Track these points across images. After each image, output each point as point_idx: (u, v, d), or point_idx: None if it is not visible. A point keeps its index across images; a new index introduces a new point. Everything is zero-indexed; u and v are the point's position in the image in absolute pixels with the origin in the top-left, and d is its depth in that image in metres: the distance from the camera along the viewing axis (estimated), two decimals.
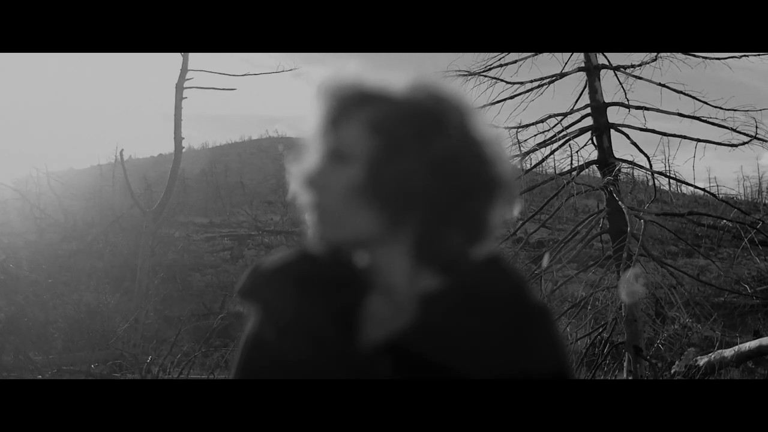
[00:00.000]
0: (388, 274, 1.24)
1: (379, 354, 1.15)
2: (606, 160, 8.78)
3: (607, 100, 9.03)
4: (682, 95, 8.71)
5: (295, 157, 1.30)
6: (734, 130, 8.46)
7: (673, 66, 8.84)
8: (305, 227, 1.31)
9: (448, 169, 1.19)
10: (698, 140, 8.70)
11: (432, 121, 1.20)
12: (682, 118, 8.69)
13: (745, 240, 8.01)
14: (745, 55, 8.48)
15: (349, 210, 1.18)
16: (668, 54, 8.59)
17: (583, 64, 9.05)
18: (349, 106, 1.22)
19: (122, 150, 21.67)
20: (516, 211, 1.26)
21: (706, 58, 8.64)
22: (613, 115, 10.14)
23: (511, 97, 9.10)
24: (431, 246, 1.25)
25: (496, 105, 9.12)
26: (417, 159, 1.17)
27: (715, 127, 8.58)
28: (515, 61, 9.05)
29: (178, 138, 15.90)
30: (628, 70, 8.92)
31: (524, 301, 1.23)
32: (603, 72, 9.10)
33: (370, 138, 1.19)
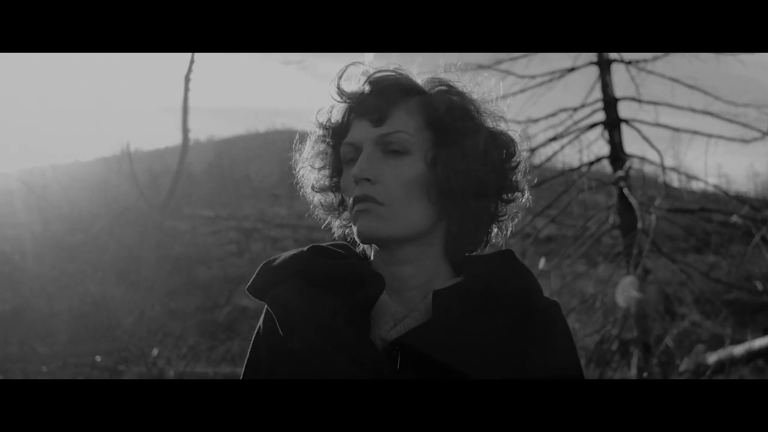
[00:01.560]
0: (411, 270, 1.22)
1: (390, 352, 1.13)
2: (617, 155, 8.72)
3: (618, 94, 8.97)
4: (694, 90, 8.65)
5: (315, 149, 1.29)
6: (746, 126, 8.39)
7: (686, 60, 8.79)
8: (346, 222, 1.30)
9: (494, 165, 1.22)
10: (710, 135, 8.63)
11: (476, 115, 1.23)
12: (693, 113, 8.63)
13: (757, 236, 7.95)
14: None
15: (407, 204, 1.17)
16: None
17: (594, 59, 9.00)
18: (399, 96, 1.20)
19: (129, 142, 21.69)
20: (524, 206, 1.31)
21: (718, 53, 8.57)
22: (625, 109, 10.08)
23: (522, 91, 9.05)
24: (461, 241, 1.26)
25: (506, 99, 9.06)
26: (472, 153, 1.19)
27: (727, 122, 8.52)
28: (526, 55, 8.99)
29: (185, 129, 15.93)
30: (639, 65, 8.86)
31: (536, 297, 1.22)
32: (614, 66, 9.04)
33: (425, 130, 1.20)
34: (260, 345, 1.26)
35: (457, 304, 1.16)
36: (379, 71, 1.22)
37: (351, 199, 1.18)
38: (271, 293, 1.23)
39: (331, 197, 1.30)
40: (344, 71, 1.24)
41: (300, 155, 1.32)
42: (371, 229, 1.16)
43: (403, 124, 1.19)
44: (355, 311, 1.16)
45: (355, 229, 1.18)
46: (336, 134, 1.25)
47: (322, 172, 1.29)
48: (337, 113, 1.24)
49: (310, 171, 1.30)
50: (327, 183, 1.29)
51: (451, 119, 1.20)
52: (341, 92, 1.23)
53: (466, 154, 1.19)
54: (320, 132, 1.27)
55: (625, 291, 6.99)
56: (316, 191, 1.30)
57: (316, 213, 1.34)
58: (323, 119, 1.26)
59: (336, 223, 1.33)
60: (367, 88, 1.21)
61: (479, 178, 1.19)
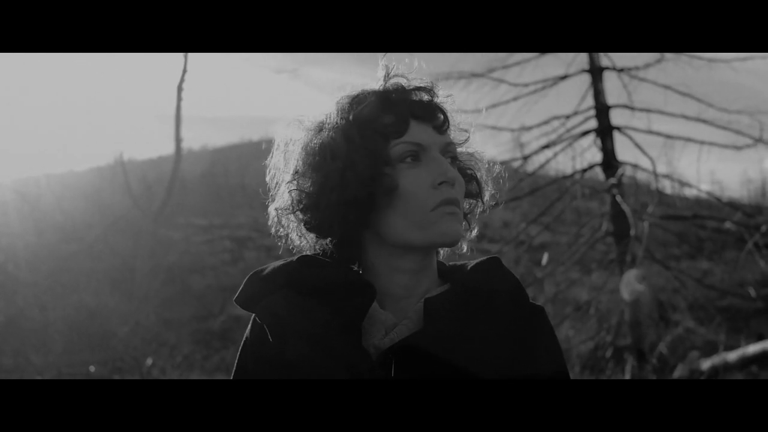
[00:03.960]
0: (417, 278, 1.23)
1: (385, 360, 1.14)
2: (610, 162, 8.75)
3: (611, 102, 9.00)
4: (686, 97, 8.68)
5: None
6: (739, 133, 8.43)
7: (678, 68, 8.82)
8: (353, 218, 1.21)
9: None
10: (702, 142, 8.67)
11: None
12: (686, 120, 8.67)
13: (749, 243, 7.97)
14: (750, 57, 8.45)
15: (462, 210, 1.22)
16: (673, 55, 8.57)
17: (587, 67, 9.03)
18: (438, 105, 1.24)
19: (122, 152, 21.63)
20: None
21: (711, 60, 8.62)
22: (617, 117, 10.11)
23: (515, 99, 9.07)
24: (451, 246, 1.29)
25: (500, 107, 9.10)
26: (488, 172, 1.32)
27: (720, 129, 8.56)
28: (519, 63, 9.03)
29: (178, 138, 15.91)
30: (632, 72, 8.89)
31: (523, 302, 1.24)
32: (606, 74, 9.07)
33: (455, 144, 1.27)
34: (248, 355, 1.25)
35: (449, 309, 1.17)
36: (431, 80, 1.25)
37: (437, 201, 1.16)
38: (261, 304, 1.22)
39: (369, 191, 1.18)
40: (392, 71, 1.24)
41: (323, 144, 1.20)
42: (459, 233, 1.18)
43: (454, 135, 1.26)
44: (348, 320, 1.16)
45: (438, 229, 1.16)
46: (389, 130, 1.18)
47: (373, 165, 1.17)
48: (395, 111, 1.20)
49: (351, 162, 1.17)
50: (376, 174, 1.17)
51: (468, 137, 1.29)
52: (410, 93, 1.22)
53: (488, 172, 1.31)
54: (372, 125, 1.19)
55: (630, 284, 7.01)
56: (362, 185, 1.16)
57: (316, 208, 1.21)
58: (375, 113, 1.20)
59: (348, 217, 1.19)
60: (425, 95, 1.22)
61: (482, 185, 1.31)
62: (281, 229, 1.29)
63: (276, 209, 1.27)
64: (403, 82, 1.23)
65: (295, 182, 1.23)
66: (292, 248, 1.30)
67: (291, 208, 1.24)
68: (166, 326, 12.91)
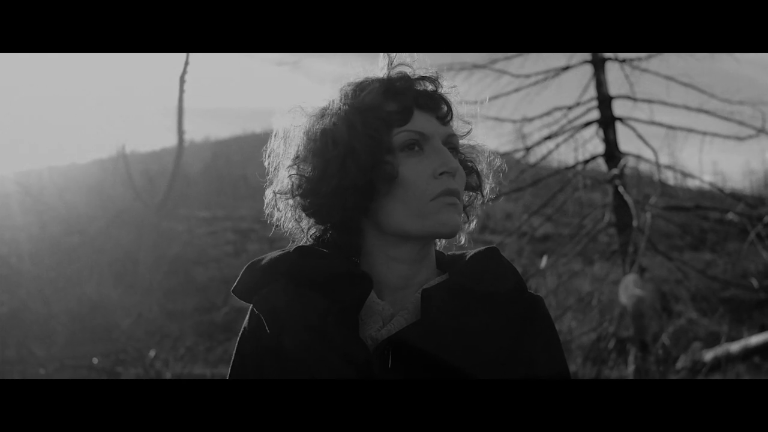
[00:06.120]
0: (416, 268, 1.23)
1: (382, 351, 1.13)
2: (612, 153, 8.73)
3: (613, 92, 8.98)
4: (688, 88, 8.67)
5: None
6: (741, 123, 8.40)
7: (680, 59, 8.80)
8: (352, 205, 1.21)
9: None
10: (705, 133, 8.65)
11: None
12: (688, 111, 8.65)
13: (752, 234, 7.95)
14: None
15: (462, 201, 1.23)
16: None
17: (589, 58, 9.01)
18: (442, 95, 1.25)
19: (125, 144, 21.63)
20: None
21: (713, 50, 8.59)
22: (619, 108, 10.07)
23: (517, 90, 9.06)
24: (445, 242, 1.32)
25: (502, 98, 9.09)
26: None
27: (722, 120, 8.54)
28: (521, 54, 9.00)
29: (180, 130, 15.89)
30: (634, 63, 8.87)
31: (523, 291, 1.24)
32: (609, 64, 9.05)
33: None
34: (246, 347, 1.25)
35: (447, 301, 1.17)
36: (435, 71, 1.25)
37: (437, 191, 1.16)
38: (259, 295, 1.22)
39: (369, 178, 1.17)
40: (395, 60, 1.24)
41: (323, 128, 1.20)
42: (458, 224, 1.18)
43: (457, 127, 1.26)
44: (345, 311, 1.15)
45: (437, 219, 1.16)
46: (392, 118, 1.18)
47: (374, 152, 1.16)
48: (398, 99, 1.19)
49: (352, 149, 1.16)
50: (377, 161, 1.16)
51: (470, 129, 1.30)
52: (415, 82, 1.22)
53: (489, 165, 1.32)
54: (375, 113, 1.18)
55: (628, 289, 7.01)
56: (363, 170, 1.16)
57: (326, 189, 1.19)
58: (379, 101, 1.19)
59: (347, 203, 1.19)
60: (429, 85, 1.23)
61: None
62: (277, 213, 1.28)
63: (274, 192, 1.27)
64: (408, 71, 1.23)
65: (295, 167, 1.23)
66: (288, 234, 1.30)
67: (291, 192, 1.24)
68: (169, 318, 12.94)
